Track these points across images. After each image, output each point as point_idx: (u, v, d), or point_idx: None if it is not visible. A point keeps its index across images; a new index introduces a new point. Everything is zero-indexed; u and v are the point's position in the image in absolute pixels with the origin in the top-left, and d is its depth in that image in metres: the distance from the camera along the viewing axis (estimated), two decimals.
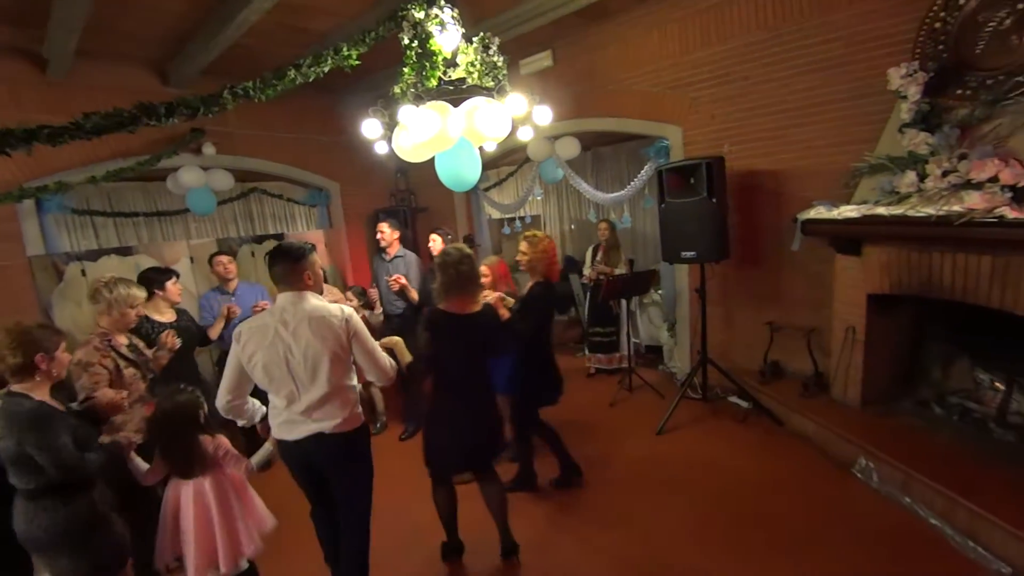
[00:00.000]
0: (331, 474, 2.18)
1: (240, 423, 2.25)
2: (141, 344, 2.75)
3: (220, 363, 3.90)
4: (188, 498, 2.15)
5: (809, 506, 2.80)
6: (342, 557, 2.27)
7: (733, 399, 4.05)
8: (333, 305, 2.12)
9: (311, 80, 2.20)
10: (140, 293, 2.63)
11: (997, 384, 3.00)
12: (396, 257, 4.19)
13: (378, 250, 4.34)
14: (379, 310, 4.15)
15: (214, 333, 3.50)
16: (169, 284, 3.22)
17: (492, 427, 2.50)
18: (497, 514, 2.56)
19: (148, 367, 2.66)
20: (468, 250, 2.42)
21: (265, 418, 2.23)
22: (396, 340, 2.50)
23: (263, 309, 3.73)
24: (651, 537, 2.70)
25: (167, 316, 3.22)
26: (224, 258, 3.90)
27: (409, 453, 3.59)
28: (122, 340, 2.59)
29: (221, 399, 2.11)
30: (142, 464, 2.23)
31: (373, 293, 4.12)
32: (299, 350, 1.99)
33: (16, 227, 3.95)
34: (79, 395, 2.26)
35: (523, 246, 3.01)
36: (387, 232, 4.15)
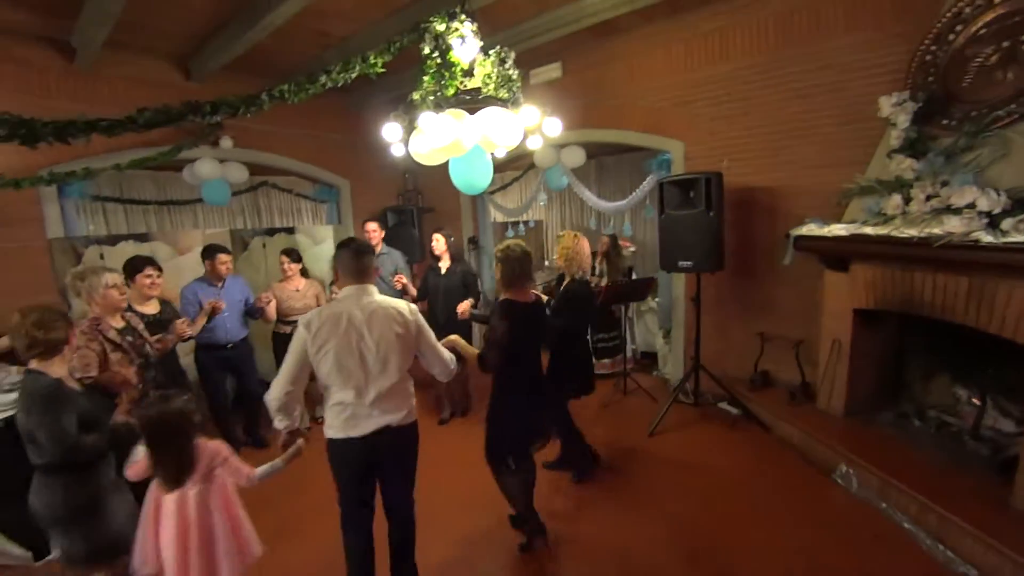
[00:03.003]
0: (390, 468, 2.18)
1: (283, 424, 2.08)
2: (140, 326, 2.74)
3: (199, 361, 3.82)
4: (169, 510, 1.91)
5: (790, 505, 2.95)
6: (394, 549, 2.28)
7: (723, 405, 4.19)
8: (398, 300, 2.18)
9: (339, 85, 2.34)
10: (112, 274, 2.60)
11: (974, 400, 3.16)
12: (381, 254, 4.49)
13: None
14: None
15: (195, 329, 3.31)
16: (139, 276, 3.04)
17: (546, 413, 2.72)
18: (528, 492, 2.71)
19: (141, 351, 2.65)
20: (526, 246, 2.56)
21: (293, 432, 2.12)
22: (456, 337, 2.58)
23: (268, 302, 3.88)
24: (642, 522, 2.86)
25: (148, 308, 3.09)
26: (228, 258, 3.83)
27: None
28: (116, 323, 2.59)
29: (279, 390, 2.00)
30: (138, 454, 2.03)
31: None
32: (372, 340, 2.02)
33: (38, 210, 4.07)
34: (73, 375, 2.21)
35: (567, 241, 3.22)
36: (374, 231, 4.49)
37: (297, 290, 4.18)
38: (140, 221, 6.36)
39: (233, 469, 2.03)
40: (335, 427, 2.07)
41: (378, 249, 4.46)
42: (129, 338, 2.61)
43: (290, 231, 5.72)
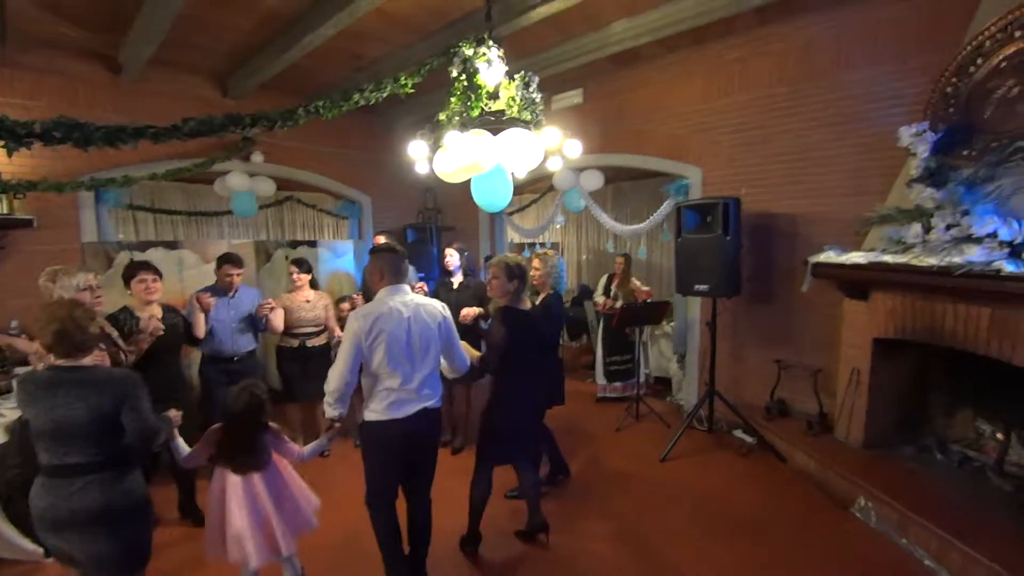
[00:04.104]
0: (427, 448, 2.42)
1: (336, 413, 2.26)
2: (114, 333, 2.66)
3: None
4: (237, 491, 2.13)
5: (807, 540, 2.87)
6: (418, 530, 2.48)
7: (738, 433, 4.13)
8: (432, 299, 2.45)
9: (371, 103, 2.46)
10: (86, 275, 2.54)
11: (998, 435, 3.08)
12: None
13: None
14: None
15: (197, 329, 3.23)
16: (133, 282, 2.92)
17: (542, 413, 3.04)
18: (533, 497, 2.88)
19: (116, 360, 2.54)
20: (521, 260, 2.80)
21: (336, 419, 2.30)
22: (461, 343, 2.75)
23: (272, 307, 3.68)
24: (648, 543, 2.83)
25: (150, 312, 2.94)
26: (235, 270, 3.62)
27: None
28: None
29: (339, 380, 2.19)
30: (184, 446, 2.21)
31: (358, 299, 4.26)
32: (417, 330, 2.26)
33: (76, 215, 4.27)
34: None
35: (536, 263, 3.39)
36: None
37: (307, 301, 3.99)
38: (169, 230, 6.59)
39: (286, 448, 2.31)
40: (378, 411, 2.25)
41: None
42: (103, 345, 2.48)
43: (312, 244, 5.86)
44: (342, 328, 4.35)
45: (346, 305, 4.32)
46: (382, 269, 2.32)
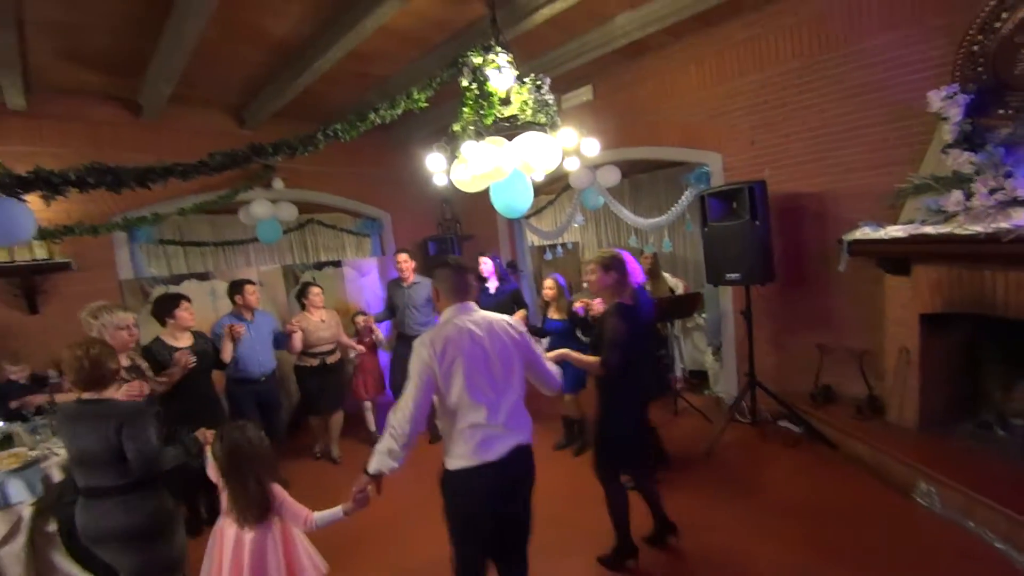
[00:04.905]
0: (523, 495, 2.03)
1: (386, 467, 1.81)
2: (144, 365, 2.84)
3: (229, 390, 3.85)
4: (228, 547, 1.94)
5: (871, 531, 2.76)
6: None
7: (784, 423, 4.00)
8: (502, 314, 2.12)
9: (386, 121, 2.47)
10: (125, 315, 2.69)
11: None
12: (414, 283, 4.56)
13: (396, 278, 4.68)
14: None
15: (226, 355, 3.42)
16: (178, 311, 3.17)
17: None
18: (657, 503, 2.73)
19: (152, 386, 2.73)
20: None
21: (375, 476, 1.85)
22: (566, 351, 2.59)
23: (294, 331, 3.96)
24: (708, 542, 2.74)
25: (183, 341, 3.19)
26: (254, 287, 3.91)
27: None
28: (122, 362, 2.64)
29: (408, 425, 1.80)
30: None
31: (370, 319, 4.62)
32: (495, 352, 1.92)
33: (111, 254, 4.41)
34: None
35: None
36: (406, 262, 4.53)
37: (322, 321, 4.26)
38: (198, 261, 6.78)
39: (291, 513, 1.98)
40: (465, 455, 1.86)
41: (411, 279, 4.55)
42: (134, 375, 2.68)
43: (337, 264, 5.94)
44: (366, 343, 4.54)
45: (361, 318, 4.64)
46: (440, 287, 2.02)
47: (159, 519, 2.05)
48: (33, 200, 2.00)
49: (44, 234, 3.52)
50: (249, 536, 1.92)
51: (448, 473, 1.90)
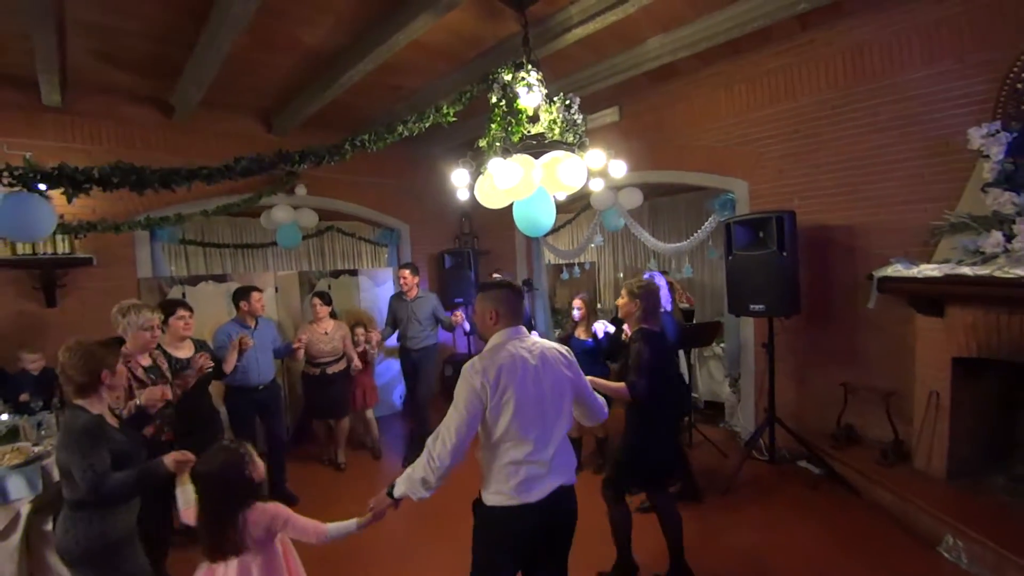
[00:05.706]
0: (564, 540, 1.90)
1: (416, 495, 1.74)
2: (164, 366, 2.78)
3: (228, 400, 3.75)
4: None
5: None
6: None
7: (803, 463, 3.84)
8: (553, 342, 2.00)
9: (414, 134, 2.45)
10: (152, 316, 2.63)
11: None
12: (419, 298, 4.57)
13: (398, 292, 4.69)
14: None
15: (228, 366, 3.26)
16: (172, 319, 2.94)
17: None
18: (676, 535, 2.63)
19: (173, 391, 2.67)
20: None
21: (396, 498, 1.82)
22: (592, 378, 2.42)
23: (299, 347, 4.01)
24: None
25: (183, 350, 2.99)
26: (260, 293, 3.84)
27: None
28: (144, 362, 2.67)
29: (452, 458, 1.69)
30: (188, 497, 1.86)
31: (373, 335, 4.59)
32: (550, 382, 1.81)
33: (132, 252, 4.45)
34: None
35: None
36: (409, 277, 4.54)
37: (326, 333, 4.29)
38: (217, 263, 6.84)
39: (299, 529, 1.82)
40: (504, 492, 1.74)
41: (414, 294, 4.54)
42: (153, 376, 2.66)
43: (353, 273, 5.94)
44: (359, 354, 4.50)
45: (360, 330, 4.62)
46: (496, 309, 1.87)
47: (113, 542, 1.86)
48: (57, 196, 1.99)
49: (67, 229, 3.54)
50: (233, 563, 1.71)
51: (487, 508, 1.78)
